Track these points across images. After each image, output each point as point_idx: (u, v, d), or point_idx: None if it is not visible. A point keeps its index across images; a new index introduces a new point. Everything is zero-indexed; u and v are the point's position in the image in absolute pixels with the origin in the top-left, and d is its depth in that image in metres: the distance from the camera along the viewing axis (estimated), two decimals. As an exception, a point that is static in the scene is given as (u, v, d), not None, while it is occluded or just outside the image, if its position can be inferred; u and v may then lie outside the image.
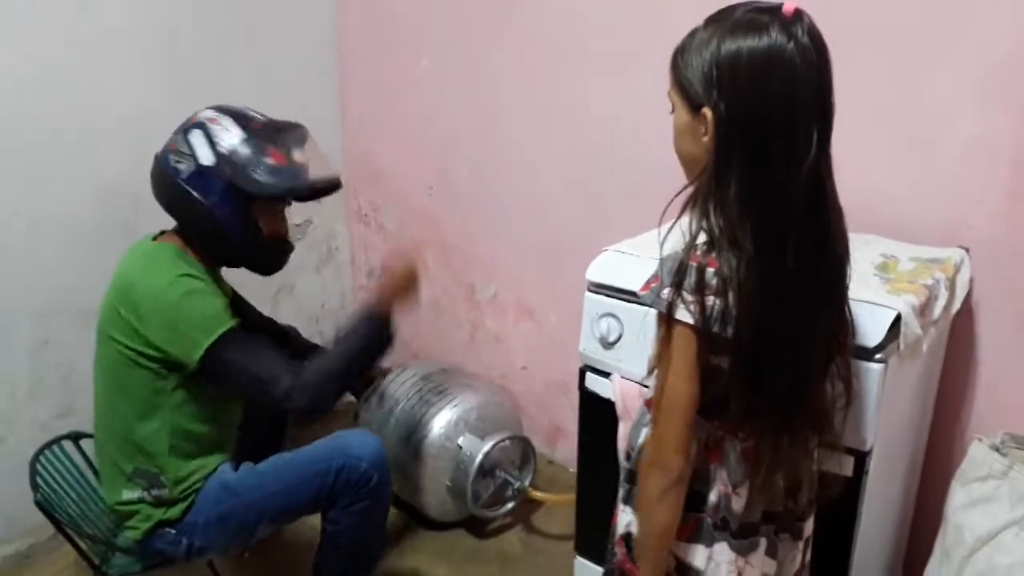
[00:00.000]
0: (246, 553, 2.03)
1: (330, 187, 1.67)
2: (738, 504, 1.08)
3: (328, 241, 2.86)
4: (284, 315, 2.34)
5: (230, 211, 1.56)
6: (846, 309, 1.10)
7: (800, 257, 0.97)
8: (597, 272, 1.53)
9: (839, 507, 1.26)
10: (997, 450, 1.43)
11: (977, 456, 1.43)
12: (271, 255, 1.70)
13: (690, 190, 1.01)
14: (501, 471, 2.12)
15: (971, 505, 1.42)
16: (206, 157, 1.54)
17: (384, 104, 2.63)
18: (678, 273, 0.98)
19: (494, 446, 2.07)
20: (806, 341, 1.02)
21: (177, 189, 1.56)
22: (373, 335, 1.62)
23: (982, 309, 1.63)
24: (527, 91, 2.24)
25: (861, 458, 1.27)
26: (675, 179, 2.06)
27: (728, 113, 0.93)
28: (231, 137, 1.55)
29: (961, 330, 1.64)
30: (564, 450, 2.51)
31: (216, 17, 2.35)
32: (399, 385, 2.26)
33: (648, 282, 1.04)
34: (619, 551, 1.19)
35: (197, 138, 1.55)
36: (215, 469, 1.66)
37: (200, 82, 2.28)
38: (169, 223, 1.66)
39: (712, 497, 1.09)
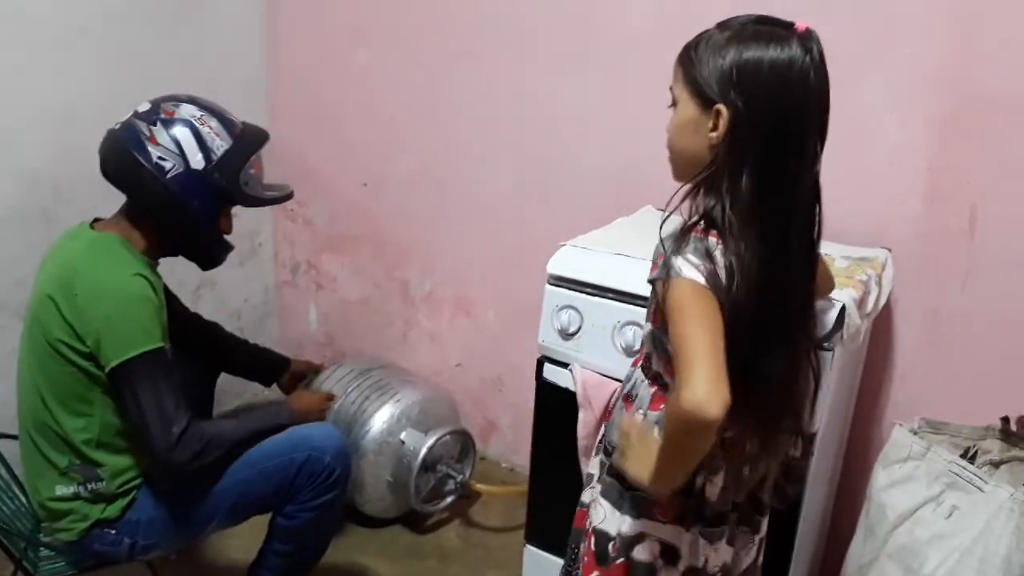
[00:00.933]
0: (173, 555, 1.96)
1: (288, 197, 1.77)
2: (711, 491, 1.13)
3: (252, 237, 2.78)
4: (206, 310, 2.26)
5: (209, 214, 1.58)
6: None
7: (799, 256, 1.06)
8: (557, 265, 1.58)
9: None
10: (915, 433, 1.56)
11: (899, 439, 1.56)
12: (220, 253, 1.70)
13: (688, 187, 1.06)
14: (442, 465, 2.12)
15: (892, 485, 1.54)
16: (196, 161, 1.53)
17: (317, 97, 2.58)
18: (680, 240, 1.02)
19: (437, 440, 2.07)
20: (796, 336, 1.09)
21: (156, 184, 1.51)
22: (268, 432, 1.66)
23: (899, 305, 1.78)
24: (469, 86, 2.25)
25: (810, 439, 1.37)
26: (620, 179, 2.12)
27: (748, 114, 0.99)
28: (222, 143, 1.56)
29: (881, 324, 1.79)
30: (496, 446, 2.54)
31: (139, 2, 2.26)
32: (335, 381, 2.22)
33: (653, 264, 1.08)
34: (584, 543, 1.21)
35: (185, 137, 1.53)
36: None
37: (120, 72, 2.19)
38: (93, 213, 1.61)
39: (698, 481, 1.12)
